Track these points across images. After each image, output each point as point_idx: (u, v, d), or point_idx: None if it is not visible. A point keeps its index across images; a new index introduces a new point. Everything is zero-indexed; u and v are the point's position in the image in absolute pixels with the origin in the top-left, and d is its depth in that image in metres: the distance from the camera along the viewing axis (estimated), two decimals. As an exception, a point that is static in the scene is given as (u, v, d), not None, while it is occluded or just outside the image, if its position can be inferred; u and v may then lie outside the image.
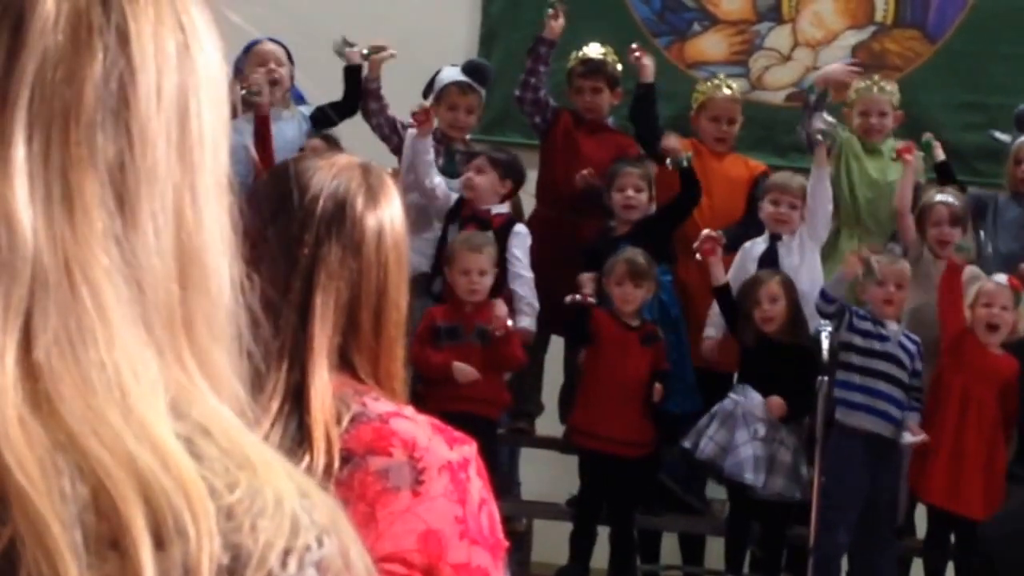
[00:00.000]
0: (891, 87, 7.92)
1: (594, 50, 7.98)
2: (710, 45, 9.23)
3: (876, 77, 8.02)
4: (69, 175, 0.87)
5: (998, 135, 7.91)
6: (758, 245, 7.48)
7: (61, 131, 0.87)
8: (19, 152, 0.86)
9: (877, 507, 6.98)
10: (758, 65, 9.20)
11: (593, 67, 7.89)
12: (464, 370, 6.96)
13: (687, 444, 7.14)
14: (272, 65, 7.80)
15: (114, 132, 0.89)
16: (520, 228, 7.54)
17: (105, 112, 0.88)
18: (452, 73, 7.82)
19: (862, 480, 6.90)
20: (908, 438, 6.94)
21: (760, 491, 7.01)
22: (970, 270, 7.20)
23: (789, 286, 7.15)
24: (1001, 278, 6.93)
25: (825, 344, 6.67)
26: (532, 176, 7.96)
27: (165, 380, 0.89)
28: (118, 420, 0.85)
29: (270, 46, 7.80)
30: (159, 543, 0.83)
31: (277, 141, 7.42)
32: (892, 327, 7.01)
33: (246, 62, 7.69)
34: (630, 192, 7.53)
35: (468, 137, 8.14)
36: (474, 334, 7.06)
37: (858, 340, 6.96)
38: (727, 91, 7.93)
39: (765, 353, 7.09)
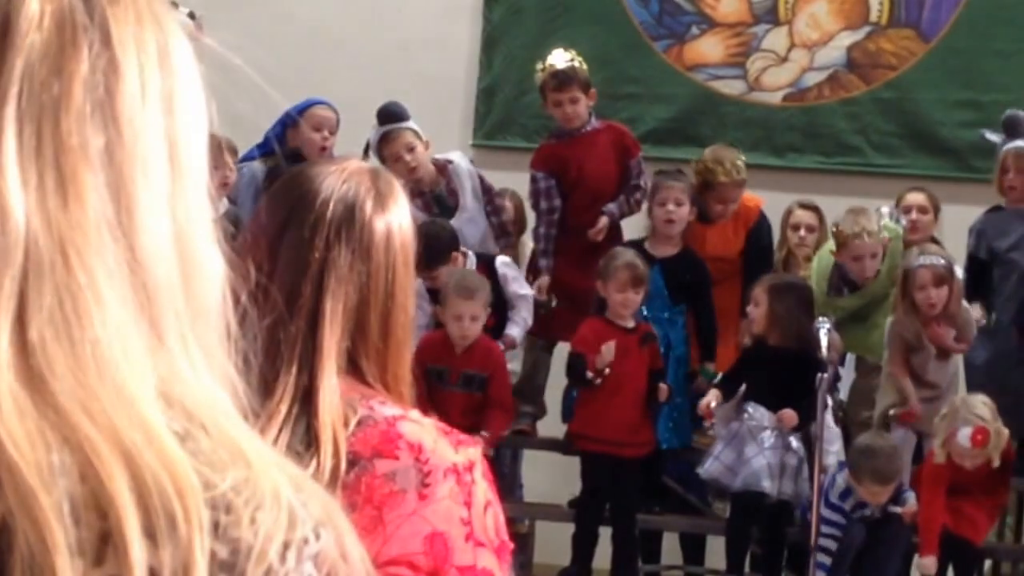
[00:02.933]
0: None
1: (560, 58, 7.73)
2: (708, 47, 9.25)
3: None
4: (62, 164, 0.89)
5: (989, 135, 7.93)
6: None
7: (52, 123, 0.89)
8: (9, 144, 0.88)
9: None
10: (755, 66, 9.22)
11: (565, 78, 7.64)
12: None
13: (699, 469, 7.18)
14: (326, 133, 7.80)
15: (102, 122, 0.91)
16: (500, 261, 7.43)
17: (93, 104, 0.90)
18: (377, 131, 7.60)
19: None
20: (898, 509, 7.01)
21: (772, 497, 7.04)
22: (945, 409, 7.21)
23: (775, 291, 7.14)
24: (965, 436, 6.88)
25: (824, 341, 6.67)
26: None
27: (154, 362, 0.90)
28: (108, 397, 0.86)
29: (328, 113, 7.81)
30: (145, 514, 0.84)
31: None
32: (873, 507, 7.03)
33: (301, 121, 7.66)
34: (671, 207, 7.48)
35: (470, 143, 8.14)
36: (459, 382, 7.03)
37: (828, 528, 6.94)
38: (737, 175, 7.70)
39: (762, 358, 7.13)
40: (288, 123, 7.63)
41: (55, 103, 0.89)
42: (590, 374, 7.11)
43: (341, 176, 2.23)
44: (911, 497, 7.02)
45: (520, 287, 7.47)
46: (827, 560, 6.93)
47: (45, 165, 0.89)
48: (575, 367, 7.24)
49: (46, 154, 0.89)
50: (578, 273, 7.56)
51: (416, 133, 7.55)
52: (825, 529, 6.88)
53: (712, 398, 7.13)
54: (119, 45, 0.92)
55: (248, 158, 7.78)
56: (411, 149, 7.53)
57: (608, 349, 7.06)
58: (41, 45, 0.90)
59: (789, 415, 7.01)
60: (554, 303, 7.72)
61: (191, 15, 6.90)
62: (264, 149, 7.68)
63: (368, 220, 2.20)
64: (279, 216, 2.22)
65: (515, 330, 7.42)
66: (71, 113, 0.90)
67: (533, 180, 7.76)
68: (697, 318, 7.54)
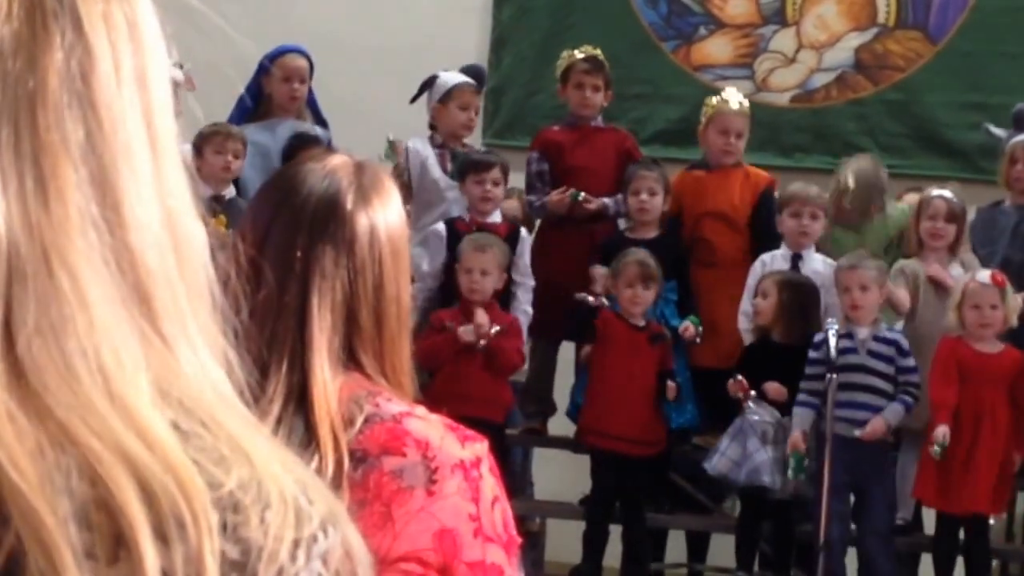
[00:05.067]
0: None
1: (588, 51, 7.99)
2: (716, 48, 9.26)
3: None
4: (41, 162, 0.86)
5: (992, 129, 7.96)
6: (778, 260, 7.51)
7: (29, 119, 0.86)
8: None
9: (866, 503, 7.04)
10: (763, 67, 9.23)
11: (597, 64, 7.91)
12: (469, 330, 6.95)
13: (705, 464, 7.19)
14: (296, 84, 7.86)
15: (81, 114, 0.88)
16: (525, 234, 7.60)
17: (70, 95, 0.87)
18: (456, 75, 7.82)
19: (844, 476, 6.88)
20: (858, 432, 6.90)
21: (777, 492, 7.05)
22: (958, 270, 7.27)
23: (786, 286, 7.17)
24: (984, 275, 6.95)
25: (833, 342, 6.70)
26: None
27: (148, 359, 0.88)
28: (104, 406, 0.84)
29: (299, 62, 7.86)
30: (155, 519, 0.83)
31: None
32: (861, 334, 7.01)
33: (272, 69, 7.74)
34: (644, 196, 7.58)
35: (482, 142, 8.20)
36: None
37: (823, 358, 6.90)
38: (736, 106, 7.89)
39: (766, 354, 7.15)
40: (262, 72, 7.70)
41: (31, 97, 0.86)
42: (591, 299, 7.16)
43: (322, 173, 2.24)
44: (877, 420, 6.94)
45: (523, 283, 7.55)
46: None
47: (24, 164, 0.86)
48: (581, 316, 7.30)
49: (25, 153, 0.86)
50: (575, 270, 7.61)
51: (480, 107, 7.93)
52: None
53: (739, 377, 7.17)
54: (90, 28, 0.89)
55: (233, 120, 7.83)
56: (478, 112, 7.86)
57: (603, 275, 7.19)
58: (12, 36, 0.87)
59: (775, 387, 7.04)
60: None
61: (179, 65, 6.94)
62: (242, 111, 7.78)
63: (349, 215, 2.20)
64: (265, 217, 2.24)
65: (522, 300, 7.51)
66: (48, 107, 0.87)
67: (528, 163, 7.93)
68: (678, 292, 7.61)
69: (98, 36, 0.89)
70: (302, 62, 7.88)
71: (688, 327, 7.45)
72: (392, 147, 7.71)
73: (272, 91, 7.86)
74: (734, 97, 7.95)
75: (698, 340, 7.45)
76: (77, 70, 0.88)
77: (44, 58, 0.87)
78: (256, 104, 7.88)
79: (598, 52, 7.96)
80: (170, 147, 0.93)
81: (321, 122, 8.00)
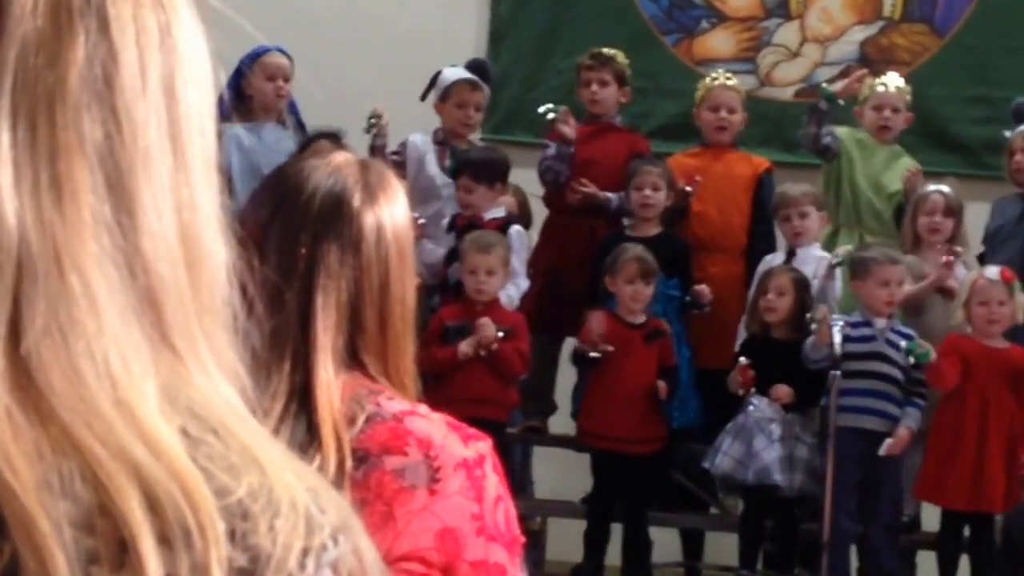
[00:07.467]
0: (905, 85, 7.98)
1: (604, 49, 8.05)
2: (718, 42, 9.25)
3: (893, 74, 8.09)
4: (57, 161, 0.86)
5: (1009, 135, 7.93)
6: (777, 258, 7.56)
7: (47, 116, 0.86)
8: (3, 139, 0.85)
9: (875, 498, 7.01)
10: (767, 61, 9.22)
11: (601, 60, 7.95)
12: (470, 343, 6.92)
13: (705, 464, 7.18)
14: (280, 82, 7.77)
15: (100, 116, 0.87)
16: (514, 229, 7.51)
17: (90, 96, 0.87)
18: (458, 71, 7.82)
19: (855, 471, 6.90)
20: (884, 448, 6.91)
21: (785, 491, 7.03)
22: (961, 270, 7.25)
23: (801, 284, 7.18)
24: (993, 272, 6.95)
25: (837, 339, 6.69)
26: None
27: (158, 367, 0.87)
28: (110, 411, 0.84)
29: (281, 60, 7.77)
30: (159, 528, 0.83)
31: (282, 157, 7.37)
32: (879, 324, 7.02)
33: (253, 70, 7.66)
34: (647, 191, 7.58)
35: (479, 137, 8.17)
36: None
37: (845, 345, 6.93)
38: (725, 81, 8.00)
39: (769, 349, 7.12)
40: (241, 74, 7.62)
41: (50, 96, 0.86)
42: (592, 352, 7.12)
43: (327, 170, 2.22)
44: (901, 431, 6.95)
45: (520, 263, 7.52)
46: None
47: (40, 162, 0.85)
48: (578, 353, 7.30)
49: (41, 151, 0.85)
50: (576, 267, 7.59)
51: (485, 102, 7.88)
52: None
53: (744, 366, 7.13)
54: (117, 30, 0.88)
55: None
56: (478, 109, 7.82)
57: (596, 321, 7.13)
58: (35, 33, 0.86)
59: (784, 390, 7.02)
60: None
61: None
62: (221, 113, 7.69)
63: (356, 213, 2.18)
64: (264, 213, 2.21)
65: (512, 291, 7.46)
66: (67, 106, 0.86)
67: (545, 145, 7.92)
68: (680, 289, 7.62)
69: (125, 39, 0.88)
70: (283, 60, 7.78)
71: (703, 288, 7.41)
72: (374, 123, 7.64)
73: (254, 92, 7.74)
74: (723, 75, 8.07)
75: (707, 309, 7.44)
76: (100, 71, 0.87)
77: (66, 56, 0.86)
78: (234, 107, 7.78)
79: (606, 50, 8.00)
80: (197, 162, 0.91)
81: (301, 126, 7.91)
